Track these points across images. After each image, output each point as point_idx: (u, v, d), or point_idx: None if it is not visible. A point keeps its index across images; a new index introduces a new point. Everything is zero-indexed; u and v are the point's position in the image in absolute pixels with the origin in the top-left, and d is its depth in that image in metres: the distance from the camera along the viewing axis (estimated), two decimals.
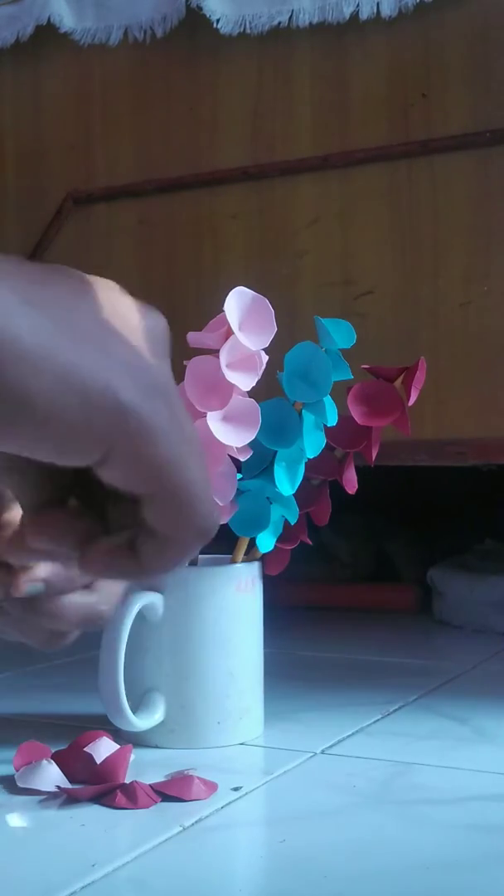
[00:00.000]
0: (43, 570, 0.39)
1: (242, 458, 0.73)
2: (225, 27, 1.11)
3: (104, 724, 0.72)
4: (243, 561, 0.78)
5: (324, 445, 0.76)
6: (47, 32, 1.19)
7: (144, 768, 0.69)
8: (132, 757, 0.68)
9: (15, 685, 0.95)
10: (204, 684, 0.74)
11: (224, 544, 0.79)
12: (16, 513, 0.39)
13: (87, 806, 0.62)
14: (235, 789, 0.65)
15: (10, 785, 0.66)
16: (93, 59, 1.20)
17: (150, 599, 0.73)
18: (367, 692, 0.91)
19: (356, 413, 0.77)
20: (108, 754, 0.68)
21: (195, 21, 1.13)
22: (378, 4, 1.04)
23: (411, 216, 1.06)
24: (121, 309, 0.34)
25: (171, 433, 0.31)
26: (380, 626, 1.27)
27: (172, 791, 0.63)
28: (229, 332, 0.70)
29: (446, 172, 1.05)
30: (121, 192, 1.19)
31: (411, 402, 0.78)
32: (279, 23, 1.09)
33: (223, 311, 0.69)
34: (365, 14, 1.05)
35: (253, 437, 0.71)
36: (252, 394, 0.72)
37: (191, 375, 0.71)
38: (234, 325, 0.69)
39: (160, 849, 0.56)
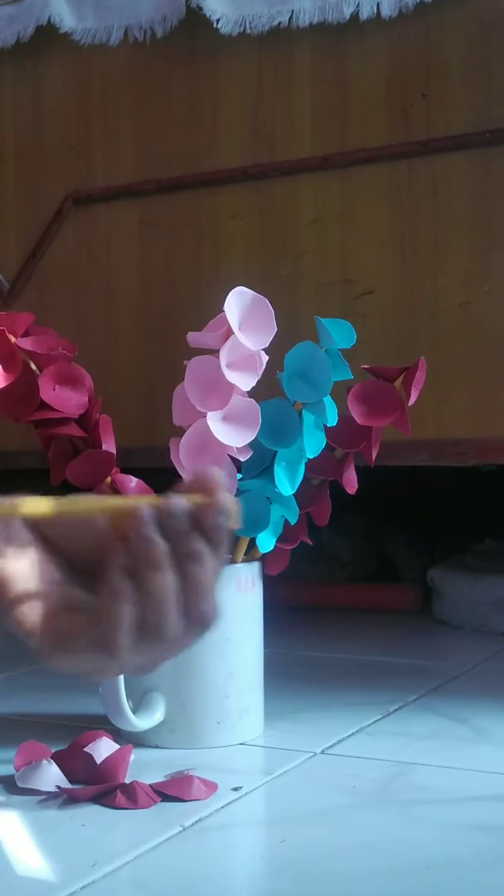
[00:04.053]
0: None
1: (242, 458, 0.73)
2: (225, 27, 1.11)
3: (104, 724, 0.72)
4: (243, 561, 0.78)
5: (324, 445, 0.76)
6: (47, 32, 1.19)
7: (144, 768, 0.69)
8: (132, 757, 0.68)
9: (15, 685, 0.95)
10: (204, 684, 0.74)
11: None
12: None
13: (87, 806, 0.62)
14: (235, 789, 0.65)
15: (10, 785, 0.66)
16: (93, 59, 1.20)
17: None
18: (367, 692, 0.91)
19: (356, 413, 0.77)
20: (108, 754, 0.68)
21: (195, 21, 1.12)
22: (378, 4, 1.04)
23: (411, 216, 1.06)
24: None
25: None
26: (380, 626, 1.27)
27: (172, 791, 0.63)
28: (229, 332, 0.70)
29: (446, 172, 1.05)
30: (121, 192, 1.19)
31: (411, 402, 0.78)
32: (279, 23, 1.09)
33: (223, 311, 0.69)
34: (365, 14, 1.05)
35: (253, 437, 0.71)
36: (252, 394, 0.72)
37: (191, 375, 0.71)
38: (234, 325, 0.69)
39: (160, 849, 0.56)
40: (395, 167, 1.07)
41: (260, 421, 0.71)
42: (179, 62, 1.16)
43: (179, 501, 0.43)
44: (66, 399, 0.75)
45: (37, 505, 0.44)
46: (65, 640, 0.44)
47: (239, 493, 0.74)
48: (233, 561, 0.77)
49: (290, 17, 1.08)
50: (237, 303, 0.70)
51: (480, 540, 1.42)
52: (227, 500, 0.43)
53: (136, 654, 0.43)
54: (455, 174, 1.04)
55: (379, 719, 0.82)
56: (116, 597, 0.42)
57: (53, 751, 0.69)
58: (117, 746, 0.69)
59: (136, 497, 0.44)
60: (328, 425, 0.75)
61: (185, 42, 1.15)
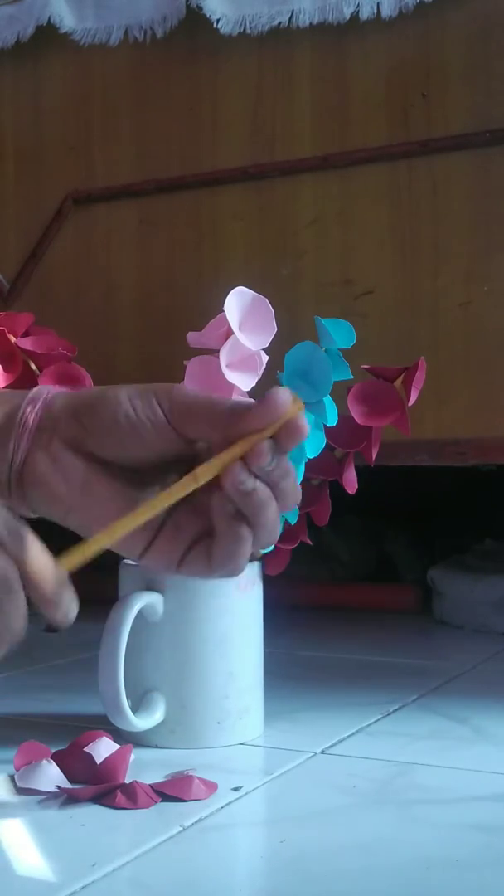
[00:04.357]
0: None
1: None
2: (225, 27, 1.11)
3: (104, 724, 0.72)
4: None
5: (324, 445, 0.76)
6: (47, 32, 1.19)
7: (144, 768, 0.69)
8: (132, 757, 0.68)
9: (15, 685, 0.95)
10: (204, 684, 0.74)
11: None
12: None
13: (87, 806, 0.62)
14: (235, 789, 0.65)
15: (10, 785, 0.66)
16: (93, 59, 1.20)
17: (150, 599, 0.73)
18: (367, 692, 0.91)
19: (356, 413, 0.77)
20: (108, 754, 0.68)
21: (195, 21, 1.12)
22: (378, 4, 1.04)
23: (411, 216, 1.06)
24: None
25: None
26: (380, 626, 1.27)
27: (172, 791, 0.63)
28: (229, 332, 0.69)
29: (446, 172, 1.05)
30: (121, 192, 1.19)
31: (411, 402, 0.78)
32: (279, 23, 1.09)
33: (223, 311, 0.69)
34: (365, 14, 1.05)
35: None
36: (252, 394, 0.72)
37: (191, 375, 0.71)
38: (234, 325, 0.69)
39: (160, 849, 0.56)
40: (395, 167, 1.07)
41: None
42: (179, 62, 1.17)
43: (264, 444, 0.45)
44: None
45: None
46: (175, 563, 0.48)
47: None
48: None
49: (290, 17, 1.08)
50: (237, 303, 0.70)
51: (480, 540, 1.42)
52: (300, 417, 0.46)
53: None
54: (455, 174, 1.04)
55: (379, 719, 0.82)
56: (236, 541, 0.46)
57: (53, 751, 0.69)
58: (117, 746, 0.69)
59: (219, 456, 0.46)
60: (328, 425, 0.75)
61: (185, 42, 1.15)
